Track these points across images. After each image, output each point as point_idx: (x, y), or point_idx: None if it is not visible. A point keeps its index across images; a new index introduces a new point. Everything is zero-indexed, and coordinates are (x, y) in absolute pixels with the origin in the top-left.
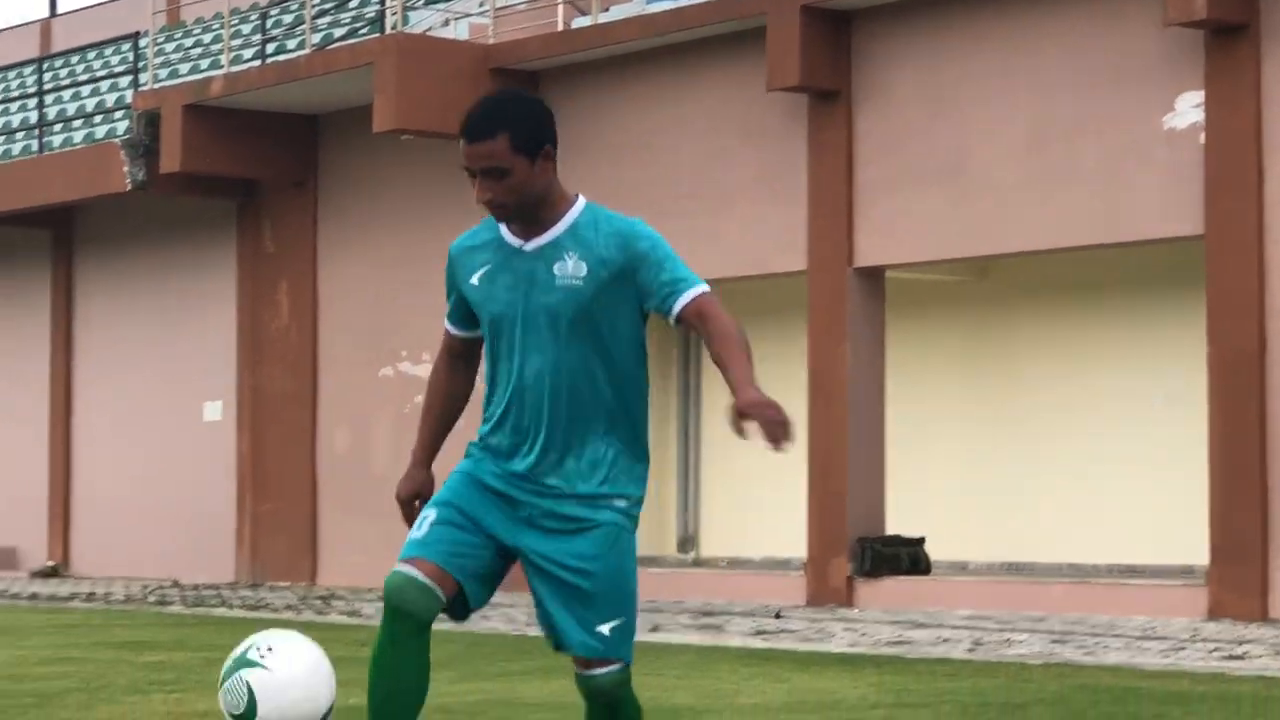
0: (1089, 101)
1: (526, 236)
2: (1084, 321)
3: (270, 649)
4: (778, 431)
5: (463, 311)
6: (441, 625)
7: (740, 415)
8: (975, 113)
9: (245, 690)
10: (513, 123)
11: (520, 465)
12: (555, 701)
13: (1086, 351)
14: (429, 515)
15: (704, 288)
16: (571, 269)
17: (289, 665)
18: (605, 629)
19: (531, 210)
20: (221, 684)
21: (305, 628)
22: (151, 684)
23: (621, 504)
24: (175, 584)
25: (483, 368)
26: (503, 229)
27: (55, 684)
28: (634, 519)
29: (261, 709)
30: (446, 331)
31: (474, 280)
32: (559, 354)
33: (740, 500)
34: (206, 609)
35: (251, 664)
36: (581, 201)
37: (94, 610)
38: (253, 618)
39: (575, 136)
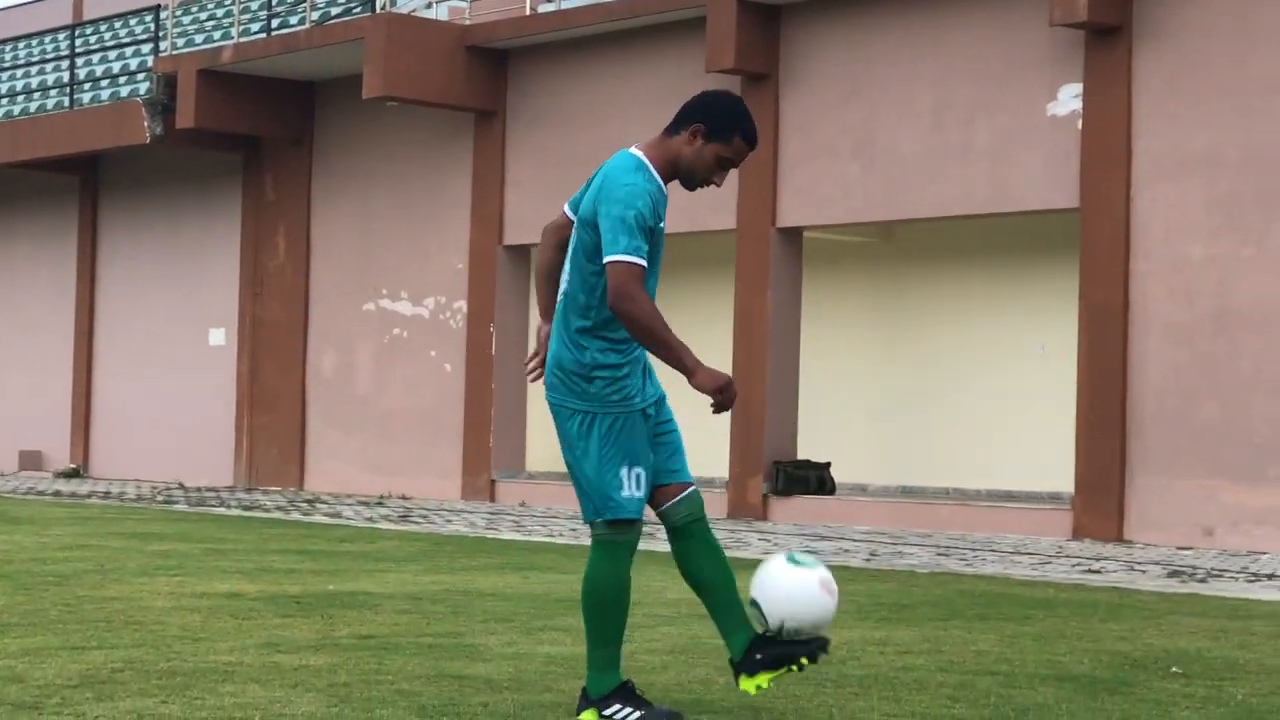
0: (983, 89)
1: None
2: (974, 279)
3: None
4: None
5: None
6: (407, 527)
7: None
8: (884, 96)
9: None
10: None
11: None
12: (505, 592)
13: (975, 305)
14: (641, 476)
15: None
16: None
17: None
18: None
19: None
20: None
21: (292, 526)
22: (157, 569)
23: None
24: (180, 486)
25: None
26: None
27: (74, 565)
28: None
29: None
30: (639, 265)
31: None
32: None
33: None
34: (207, 508)
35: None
36: None
37: (109, 506)
38: (248, 516)
39: (537, 106)
